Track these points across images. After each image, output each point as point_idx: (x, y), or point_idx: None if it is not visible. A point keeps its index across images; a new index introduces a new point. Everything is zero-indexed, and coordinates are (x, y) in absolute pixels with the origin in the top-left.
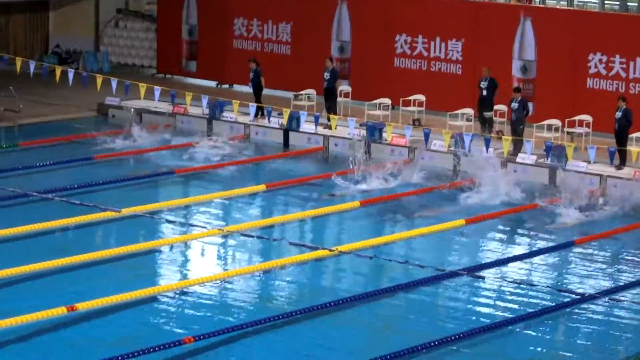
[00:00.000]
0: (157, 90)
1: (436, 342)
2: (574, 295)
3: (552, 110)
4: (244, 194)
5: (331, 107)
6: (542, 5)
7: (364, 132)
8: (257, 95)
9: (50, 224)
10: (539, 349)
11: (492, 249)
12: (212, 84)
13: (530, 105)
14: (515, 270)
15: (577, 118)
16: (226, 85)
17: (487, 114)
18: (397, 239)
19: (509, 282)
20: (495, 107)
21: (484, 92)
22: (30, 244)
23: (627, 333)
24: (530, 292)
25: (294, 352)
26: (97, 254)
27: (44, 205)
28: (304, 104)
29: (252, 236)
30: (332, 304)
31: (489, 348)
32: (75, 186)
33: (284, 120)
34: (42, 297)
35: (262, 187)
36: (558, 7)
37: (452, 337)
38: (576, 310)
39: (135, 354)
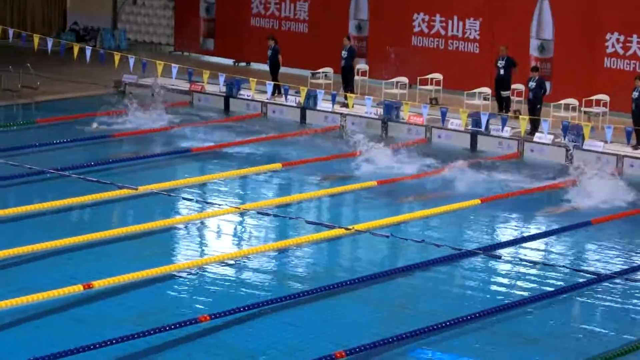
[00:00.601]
0: (175, 67)
1: (452, 321)
2: (590, 275)
3: (569, 89)
4: (260, 172)
5: (348, 85)
6: None
7: (381, 110)
8: (274, 73)
9: (67, 202)
10: (556, 328)
11: (508, 228)
12: (229, 61)
13: (548, 85)
14: (531, 249)
15: (594, 97)
16: (243, 63)
17: (504, 93)
18: (414, 218)
19: (525, 261)
20: (513, 86)
21: (501, 72)
22: (47, 221)
23: None
24: (546, 272)
25: (309, 330)
26: (114, 232)
27: (61, 182)
28: (321, 83)
29: (269, 214)
30: (348, 282)
31: (506, 327)
32: (92, 163)
33: (301, 99)
34: (58, 275)
35: (278, 166)
36: None
37: (469, 317)
38: (593, 290)
39: (152, 332)
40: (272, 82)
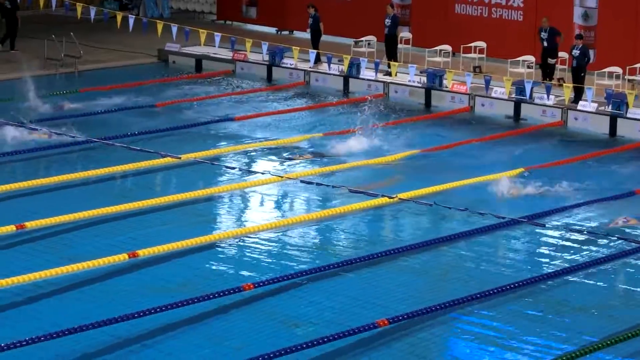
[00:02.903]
0: (217, 36)
1: (496, 290)
2: (636, 243)
3: (613, 57)
4: (303, 141)
5: (391, 53)
6: None
7: (424, 79)
8: (315, 42)
9: (110, 170)
10: (603, 296)
11: (552, 196)
12: (272, 30)
13: (591, 53)
14: (575, 217)
15: (638, 65)
16: (286, 32)
17: (551, 60)
18: (457, 186)
19: (570, 229)
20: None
21: (545, 43)
22: (91, 190)
23: None
24: (591, 240)
25: (352, 299)
26: (158, 201)
27: (105, 151)
28: (364, 51)
29: (312, 183)
30: (391, 251)
31: (552, 295)
32: (136, 132)
33: (344, 67)
34: (103, 244)
35: (320, 134)
36: None
37: (513, 285)
38: (637, 259)
39: (196, 300)
40: (315, 51)
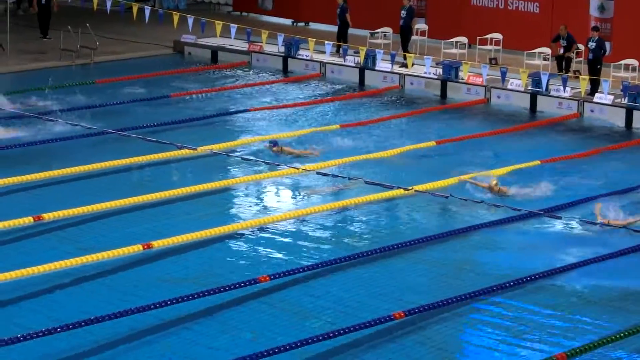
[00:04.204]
0: (233, 28)
1: (512, 282)
2: None
3: (629, 49)
4: (319, 132)
5: (407, 45)
6: None
7: (440, 70)
8: (341, 33)
9: (126, 162)
10: (612, 290)
11: (568, 189)
12: (287, 21)
13: (608, 45)
14: (592, 210)
15: None
16: (302, 23)
17: (568, 54)
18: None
19: (587, 221)
20: None
21: (562, 51)
22: (107, 181)
23: None
24: (607, 232)
25: (368, 291)
26: (173, 192)
27: (121, 142)
28: (380, 42)
29: (328, 175)
30: (407, 243)
31: (567, 288)
32: (153, 124)
33: (361, 59)
34: (118, 235)
35: (336, 126)
36: None
37: (529, 277)
38: None
39: (211, 292)
40: (336, 43)
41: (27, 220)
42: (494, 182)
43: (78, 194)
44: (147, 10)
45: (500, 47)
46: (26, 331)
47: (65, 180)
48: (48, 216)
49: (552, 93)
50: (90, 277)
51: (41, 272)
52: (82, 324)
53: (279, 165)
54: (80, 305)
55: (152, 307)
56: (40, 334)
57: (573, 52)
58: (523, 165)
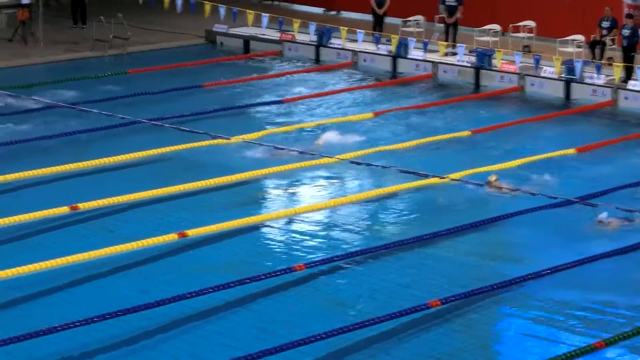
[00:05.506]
0: (265, 17)
1: (547, 271)
2: None
3: None
4: (352, 121)
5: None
6: None
7: (473, 58)
8: (378, 18)
9: (160, 151)
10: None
11: (604, 176)
12: (319, 10)
13: None
14: (628, 198)
15: None
16: (334, 12)
17: (606, 38)
18: (508, 167)
19: (622, 210)
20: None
21: (605, 32)
22: (141, 170)
23: None
24: None
25: (404, 279)
26: (208, 182)
27: (154, 132)
28: (412, 30)
29: (362, 164)
30: (442, 232)
31: (605, 277)
32: (186, 114)
33: (393, 47)
34: (153, 224)
35: (370, 115)
36: None
37: (564, 266)
38: None
39: (247, 281)
40: (362, 31)
41: (63, 210)
42: (494, 177)
43: (113, 183)
44: (179, 0)
45: (533, 35)
46: (64, 321)
47: (100, 170)
48: (84, 206)
49: (586, 80)
50: (125, 267)
51: (77, 262)
52: (119, 313)
53: (313, 154)
54: (116, 295)
55: (187, 296)
56: (77, 323)
57: (614, 37)
58: (559, 153)
